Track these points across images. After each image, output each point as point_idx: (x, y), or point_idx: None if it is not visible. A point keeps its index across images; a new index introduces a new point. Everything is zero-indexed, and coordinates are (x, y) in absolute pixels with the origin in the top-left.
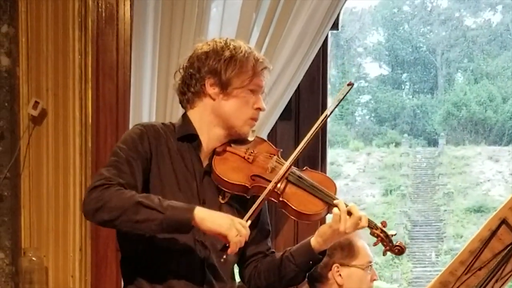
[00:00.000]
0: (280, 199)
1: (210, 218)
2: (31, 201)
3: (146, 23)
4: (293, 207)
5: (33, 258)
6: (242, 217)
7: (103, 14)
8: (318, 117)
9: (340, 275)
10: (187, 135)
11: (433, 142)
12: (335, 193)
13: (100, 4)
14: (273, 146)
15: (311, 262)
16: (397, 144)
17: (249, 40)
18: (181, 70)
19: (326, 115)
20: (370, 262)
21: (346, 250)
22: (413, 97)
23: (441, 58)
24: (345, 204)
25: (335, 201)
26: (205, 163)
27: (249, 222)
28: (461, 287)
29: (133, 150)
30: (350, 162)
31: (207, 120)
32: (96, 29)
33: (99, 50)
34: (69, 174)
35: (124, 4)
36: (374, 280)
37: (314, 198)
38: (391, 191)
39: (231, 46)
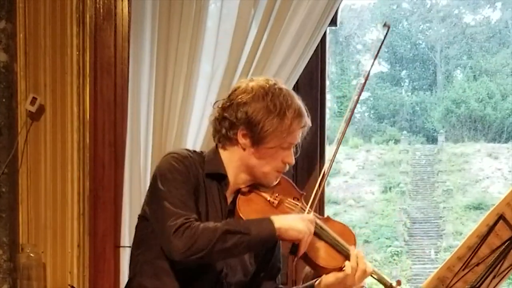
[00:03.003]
0: None
1: (291, 227)
2: (29, 197)
3: (144, 19)
4: (313, 259)
5: (31, 254)
6: (256, 257)
7: (101, 10)
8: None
9: None
10: (217, 174)
11: (432, 139)
12: (354, 245)
13: (97, 0)
14: (297, 189)
15: None
16: (396, 141)
17: (247, 36)
18: (219, 104)
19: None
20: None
21: None
22: (412, 94)
23: (440, 55)
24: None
25: (348, 254)
26: (229, 200)
27: (312, 213)
28: (458, 283)
29: (186, 182)
30: (350, 159)
31: (235, 165)
32: (94, 25)
33: (97, 45)
34: (67, 170)
35: (122, 0)
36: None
37: (335, 252)
38: (390, 188)
39: (274, 96)
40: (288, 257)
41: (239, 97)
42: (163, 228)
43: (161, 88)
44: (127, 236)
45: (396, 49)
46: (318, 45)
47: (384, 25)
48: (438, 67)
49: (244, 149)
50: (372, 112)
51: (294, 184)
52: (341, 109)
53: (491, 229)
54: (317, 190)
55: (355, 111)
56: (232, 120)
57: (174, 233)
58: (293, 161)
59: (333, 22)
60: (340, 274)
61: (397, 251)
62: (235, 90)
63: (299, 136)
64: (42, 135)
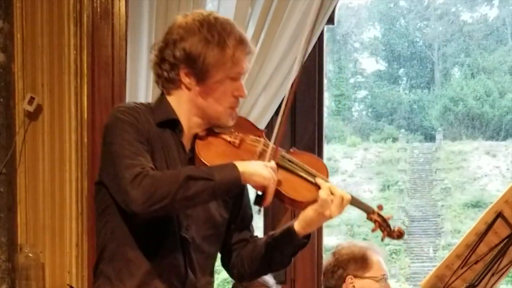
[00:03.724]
0: None
1: (256, 172)
2: (27, 197)
3: (141, 18)
4: (286, 194)
5: (30, 254)
6: (226, 208)
7: (98, 9)
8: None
9: (353, 286)
10: (168, 120)
11: (430, 137)
12: (326, 175)
13: (95, 0)
14: (257, 127)
15: (295, 247)
16: (394, 140)
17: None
18: (156, 47)
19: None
20: (384, 275)
21: (359, 262)
22: (410, 92)
23: (437, 53)
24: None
25: (319, 181)
26: (187, 147)
27: (274, 163)
28: (457, 281)
29: (136, 135)
30: (348, 157)
31: (185, 109)
32: (91, 24)
33: (94, 45)
34: (65, 170)
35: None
36: None
37: (308, 184)
38: (388, 186)
39: (211, 24)
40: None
41: (174, 34)
42: (118, 183)
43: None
44: None
45: (393, 47)
46: (315, 43)
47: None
48: (435, 65)
49: (190, 89)
50: (370, 110)
51: (252, 123)
52: (339, 108)
53: (489, 227)
54: (279, 126)
55: (353, 109)
56: (171, 61)
57: (131, 184)
58: (245, 93)
59: (331, 20)
60: (317, 205)
61: (396, 250)
62: (170, 28)
63: (245, 64)
64: (40, 134)
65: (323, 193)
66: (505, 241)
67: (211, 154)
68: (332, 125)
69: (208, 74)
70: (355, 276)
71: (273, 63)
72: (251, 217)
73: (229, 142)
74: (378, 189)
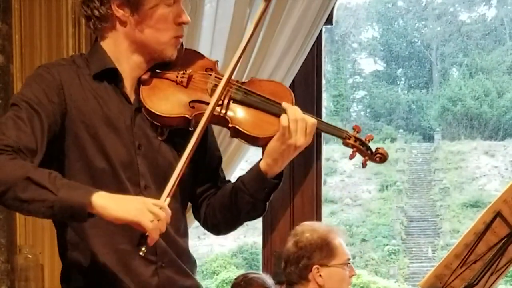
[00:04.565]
0: (230, 125)
1: (114, 205)
2: None
3: None
4: (246, 132)
5: (29, 256)
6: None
7: None
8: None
9: (320, 275)
10: (105, 71)
11: (428, 137)
12: (292, 103)
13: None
14: (208, 58)
15: (265, 189)
16: (393, 140)
17: (243, 36)
18: None
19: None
20: (349, 259)
21: (324, 250)
22: (408, 92)
23: (436, 53)
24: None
25: (282, 105)
26: (132, 98)
27: (168, 200)
28: (456, 281)
29: (36, 102)
30: (346, 158)
31: (123, 48)
32: None
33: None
34: None
35: None
36: (353, 275)
37: (270, 116)
38: (387, 186)
39: None
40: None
41: None
42: None
43: None
44: None
45: (391, 48)
46: (314, 43)
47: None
48: (434, 65)
49: (125, 24)
50: (368, 110)
51: (202, 54)
52: (337, 108)
53: (488, 226)
54: (239, 58)
55: (351, 110)
56: None
57: None
58: (188, 19)
59: (329, 20)
60: (278, 134)
61: (394, 250)
62: None
63: None
64: None
65: (283, 119)
66: (504, 240)
67: (157, 99)
68: None
69: (141, 0)
70: (321, 265)
71: (272, 63)
72: (219, 159)
73: (176, 82)
74: (376, 190)
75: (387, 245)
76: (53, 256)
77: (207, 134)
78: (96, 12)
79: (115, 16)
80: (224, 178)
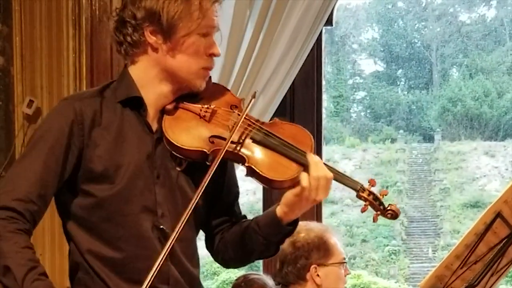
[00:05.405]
0: (246, 164)
1: None
2: None
3: None
4: (261, 173)
5: None
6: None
7: (97, 12)
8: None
9: (318, 275)
10: (130, 99)
11: (428, 138)
12: (310, 148)
13: (93, 2)
14: (235, 95)
15: (279, 234)
16: (393, 140)
17: (243, 37)
18: (113, 15)
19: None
20: (344, 258)
21: (322, 249)
22: (408, 93)
23: (436, 54)
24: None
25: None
26: (154, 127)
27: None
28: (457, 281)
29: (51, 142)
30: (346, 158)
31: (152, 75)
32: (90, 27)
33: (93, 48)
34: None
35: (117, 2)
36: (347, 274)
37: (287, 160)
38: (387, 187)
39: None
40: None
41: None
42: None
43: None
44: None
45: (391, 48)
46: (314, 44)
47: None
48: (434, 65)
49: (157, 50)
50: (368, 111)
51: (230, 91)
52: (338, 109)
53: (488, 227)
54: (251, 99)
55: (351, 110)
56: (132, 22)
57: None
58: (219, 52)
59: (329, 21)
60: (297, 189)
61: (395, 250)
62: None
63: (214, 17)
64: None
65: (304, 180)
66: (504, 241)
67: (178, 130)
68: (330, 126)
69: (174, 28)
70: (319, 265)
71: (272, 64)
72: (236, 195)
73: (199, 115)
74: (377, 190)
75: (387, 245)
76: (54, 259)
77: (226, 168)
78: (129, 38)
79: (147, 43)
80: (240, 213)
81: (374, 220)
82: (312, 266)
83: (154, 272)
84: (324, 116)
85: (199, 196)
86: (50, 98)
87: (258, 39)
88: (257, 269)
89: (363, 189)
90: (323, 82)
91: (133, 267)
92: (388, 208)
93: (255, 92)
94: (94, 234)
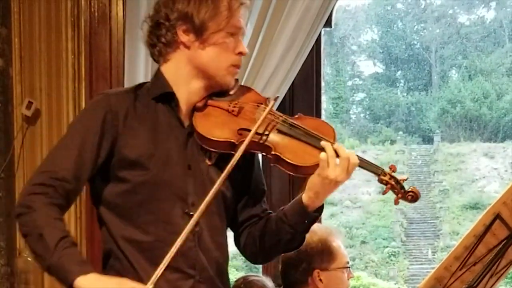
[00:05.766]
0: (272, 152)
1: (92, 285)
2: None
3: (139, 22)
4: (287, 160)
5: (29, 259)
6: (234, 181)
7: (96, 14)
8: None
9: (320, 280)
10: (163, 94)
11: (428, 139)
12: (333, 138)
13: (92, 4)
14: (260, 94)
15: (305, 221)
16: (392, 142)
17: (242, 38)
18: (147, 20)
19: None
20: (348, 262)
21: (325, 254)
22: (407, 94)
23: (435, 55)
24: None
25: (321, 143)
26: (186, 123)
27: (151, 286)
28: (456, 283)
29: (87, 128)
30: None
31: (184, 72)
32: (89, 29)
33: (92, 49)
34: None
35: (116, 4)
36: (351, 278)
37: (311, 147)
38: None
39: None
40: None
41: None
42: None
43: None
44: None
45: (391, 50)
46: (313, 46)
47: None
48: (433, 67)
49: (189, 48)
50: (367, 113)
51: (256, 90)
52: (337, 110)
53: (487, 228)
54: (276, 96)
55: (351, 112)
56: (166, 24)
57: (29, 187)
58: (246, 51)
59: (328, 23)
60: (318, 170)
61: (394, 252)
62: None
63: (241, 19)
64: (38, 139)
65: (323, 154)
66: (503, 242)
67: (208, 125)
68: None
69: (205, 26)
70: (321, 269)
71: (271, 66)
72: (263, 191)
73: (227, 110)
74: (376, 192)
75: (387, 247)
76: None
77: (253, 164)
78: (163, 39)
79: (179, 41)
80: (267, 209)
81: (396, 202)
82: (315, 271)
83: (174, 249)
84: (323, 117)
85: (224, 178)
86: (49, 100)
87: (257, 40)
88: (256, 271)
89: (385, 173)
90: (322, 84)
91: (161, 252)
92: (409, 190)
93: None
94: (126, 219)
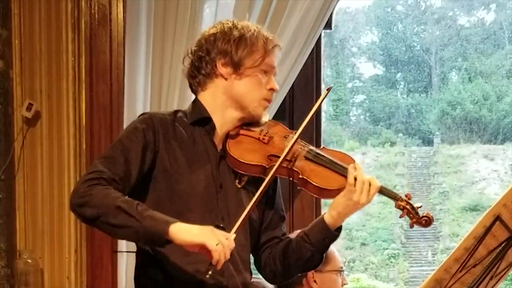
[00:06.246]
0: (300, 176)
1: (186, 230)
2: (26, 203)
3: (139, 24)
4: (313, 183)
5: (29, 260)
6: (259, 205)
7: (96, 16)
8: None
9: (315, 281)
10: (201, 119)
11: (428, 141)
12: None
13: (93, 6)
14: (287, 128)
15: (326, 239)
16: (392, 144)
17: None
18: (189, 55)
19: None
20: (342, 267)
21: None
22: (407, 96)
23: (435, 57)
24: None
25: (349, 168)
26: (219, 147)
27: (234, 235)
28: (456, 284)
29: (132, 140)
30: None
31: (220, 101)
32: (89, 31)
33: (92, 51)
34: (63, 176)
35: (117, 5)
36: (345, 284)
37: (334, 173)
38: None
39: (239, 26)
40: None
41: (207, 33)
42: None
43: (157, 93)
44: (124, 242)
45: (391, 52)
46: (313, 48)
47: (328, 89)
48: (433, 69)
49: (226, 79)
50: (367, 114)
51: (283, 125)
52: (337, 112)
53: (487, 230)
54: (306, 122)
55: (351, 114)
56: (207, 58)
57: (81, 183)
58: (277, 88)
59: (328, 25)
60: (345, 191)
61: (394, 254)
62: (201, 35)
63: (275, 58)
64: (39, 141)
65: (350, 177)
66: (503, 244)
67: (241, 150)
68: (330, 129)
69: (242, 62)
70: (315, 271)
71: None
72: (283, 217)
73: (258, 139)
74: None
75: (386, 249)
76: (53, 261)
77: (276, 189)
78: (203, 71)
79: (218, 73)
80: (286, 233)
81: (411, 226)
82: (310, 272)
83: (243, 217)
84: (323, 119)
85: (259, 198)
86: (49, 101)
87: None
88: (256, 273)
89: (402, 199)
90: (323, 86)
91: (193, 257)
92: (424, 215)
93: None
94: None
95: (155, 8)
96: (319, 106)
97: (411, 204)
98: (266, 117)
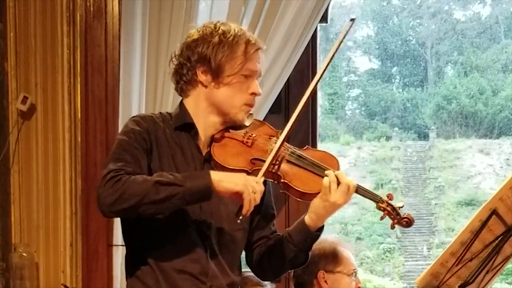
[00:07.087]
0: (282, 180)
1: (226, 178)
2: (21, 196)
3: (134, 18)
4: (295, 187)
5: (24, 254)
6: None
7: (91, 9)
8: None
9: (326, 281)
10: (184, 124)
11: (423, 136)
12: (337, 169)
13: None
14: (273, 128)
15: (308, 240)
16: (388, 138)
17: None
18: (173, 59)
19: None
20: (355, 269)
21: (330, 257)
22: (403, 90)
23: (430, 51)
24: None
25: (325, 172)
26: (204, 151)
27: (263, 178)
28: (452, 278)
29: (134, 140)
30: (341, 156)
31: (202, 107)
32: (84, 24)
33: (87, 44)
34: (58, 169)
35: None
36: (359, 287)
37: (316, 176)
38: (382, 185)
39: (220, 31)
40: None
41: (189, 38)
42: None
43: (152, 87)
44: (119, 235)
45: (386, 46)
46: (309, 42)
47: (351, 19)
48: (429, 63)
49: (206, 86)
50: (363, 109)
51: (269, 124)
52: (332, 106)
53: (484, 224)
54: (291, 125)
55: (346, 108)
56: (188, 64)
57: (102, 187)
58: (259, 91)
59: (324, 19)
60: (321, 193)
61: (390, 248)
62: (185, 39)
63: (257, 61)
64: (34, 134)
65: (325, 180)
66: (499, 238)
67: (225, 154)
68: (325, 123)
69: (222, 69)
70: (326, 271)
71: (266, 61)
72: (273, 216)
73: (242, 142)
74: (371, 188)
75: (382, 243)
76: (48, 255)
77: (265, 190)
78: (184, 78)
79: (198, 80)
80: (275, 231)
81: (392, 227)
82: (320, 272)
83: (272, 158)
84: (319, 113)
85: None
86: (44, 95)
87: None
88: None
89: (382, 201)
90: None
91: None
92: (404, 216)
93: (292, 125)
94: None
95: (151, 1)
96: (332, 57)
97: (392, 206)
98: (250, 119)
